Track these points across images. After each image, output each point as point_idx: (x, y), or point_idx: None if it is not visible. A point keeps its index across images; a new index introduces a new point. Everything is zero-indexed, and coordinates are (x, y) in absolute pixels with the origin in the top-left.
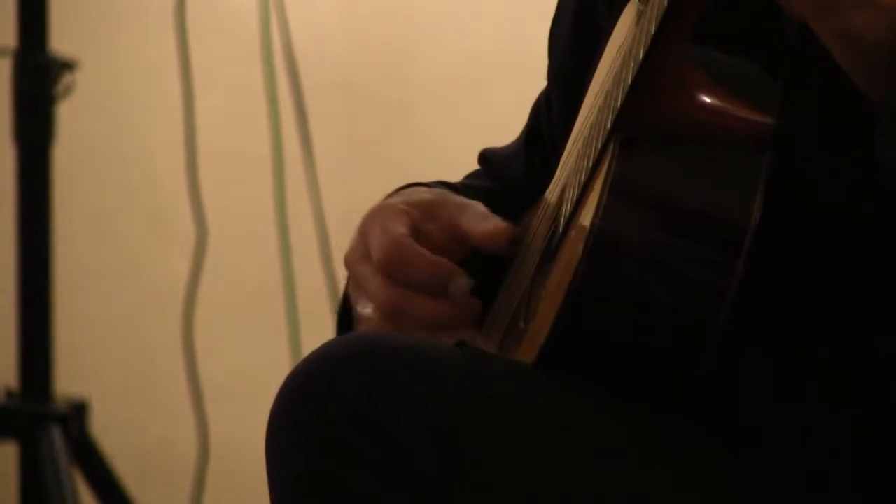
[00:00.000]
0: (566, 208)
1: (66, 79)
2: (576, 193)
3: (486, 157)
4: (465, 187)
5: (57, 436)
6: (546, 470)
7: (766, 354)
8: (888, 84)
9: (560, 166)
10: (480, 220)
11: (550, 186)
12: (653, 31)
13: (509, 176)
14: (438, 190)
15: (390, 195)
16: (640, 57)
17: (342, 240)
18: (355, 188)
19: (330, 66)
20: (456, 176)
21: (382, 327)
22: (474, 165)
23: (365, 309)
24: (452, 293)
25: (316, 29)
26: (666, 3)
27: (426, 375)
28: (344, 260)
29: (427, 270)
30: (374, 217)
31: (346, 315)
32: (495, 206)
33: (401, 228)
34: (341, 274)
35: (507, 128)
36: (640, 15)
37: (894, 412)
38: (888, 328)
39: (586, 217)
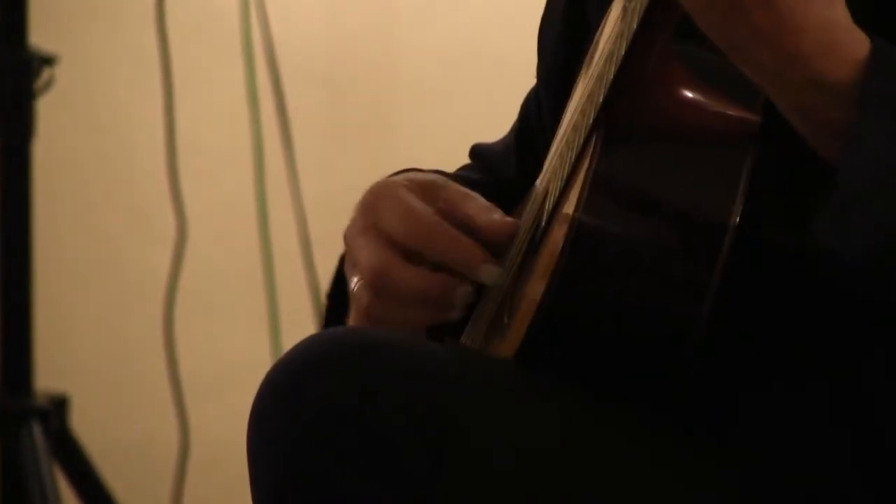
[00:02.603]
0: (549, 202)
1: (45, 74)
2: (559, 187)
3: (477, 152)
4: (460, 178)
5: (37, 431)
6: (536, 471)
7: (763, 354)
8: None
9: (547, 160)
10: (488, 210)
11: (538, 181)
12: (634, 27)
13: (500, 171)
14: (439, 175)
15: (389, 177)
16: (623, 53)
17: (322, 235)
18: (335, 184)
19: (310, 62)
20: None
21: (368, 298)
22: (455, 162)
23: (356, 286)
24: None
25: (296, 24)
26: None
27: (414, 373)
28: (343, 235)
29: (461, 251)
30: (380, 193)
31: (336, 299)
32: (489, 199)
33: (421, 204)
34: (322, 268)
35: (488, 124)
36: (624, 11)
37: (894, 411)
38: (886, 325)
39: (568, 211)
